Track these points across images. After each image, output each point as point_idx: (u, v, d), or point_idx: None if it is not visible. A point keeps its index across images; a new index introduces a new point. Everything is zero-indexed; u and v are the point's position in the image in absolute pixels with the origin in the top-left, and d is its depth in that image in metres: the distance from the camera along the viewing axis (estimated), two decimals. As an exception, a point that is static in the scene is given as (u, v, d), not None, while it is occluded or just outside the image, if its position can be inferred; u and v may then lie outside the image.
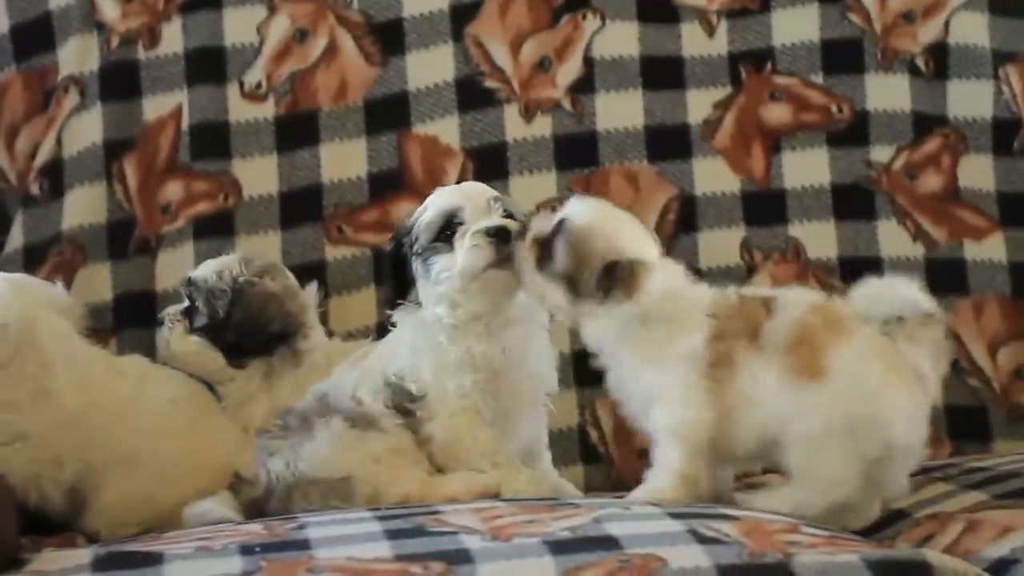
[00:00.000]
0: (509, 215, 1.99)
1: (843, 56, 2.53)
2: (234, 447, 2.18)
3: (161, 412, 2.18)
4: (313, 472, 1.95)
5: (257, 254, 2.34)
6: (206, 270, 2.26)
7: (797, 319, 1.85)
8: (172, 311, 2.28)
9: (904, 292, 1.88)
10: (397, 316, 2.05)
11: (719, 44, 2.53)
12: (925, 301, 1.88)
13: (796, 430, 1.83)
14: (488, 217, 1.97)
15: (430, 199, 2.03)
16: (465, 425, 1.97)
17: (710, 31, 2.53)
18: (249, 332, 2.23)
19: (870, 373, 1.83)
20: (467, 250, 1.94)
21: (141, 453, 2.13)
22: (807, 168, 2.50)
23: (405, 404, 1.98)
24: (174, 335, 2.26)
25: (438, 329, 1.98)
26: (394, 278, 2.03)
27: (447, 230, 1.97)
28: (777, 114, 2.52)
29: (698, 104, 2.52)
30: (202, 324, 2.24)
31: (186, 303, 2.27)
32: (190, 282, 2.25)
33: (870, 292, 1.90)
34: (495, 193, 2.03)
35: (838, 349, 1.83)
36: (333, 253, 2.46)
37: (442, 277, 1.96)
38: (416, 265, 1.99)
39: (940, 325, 1.89)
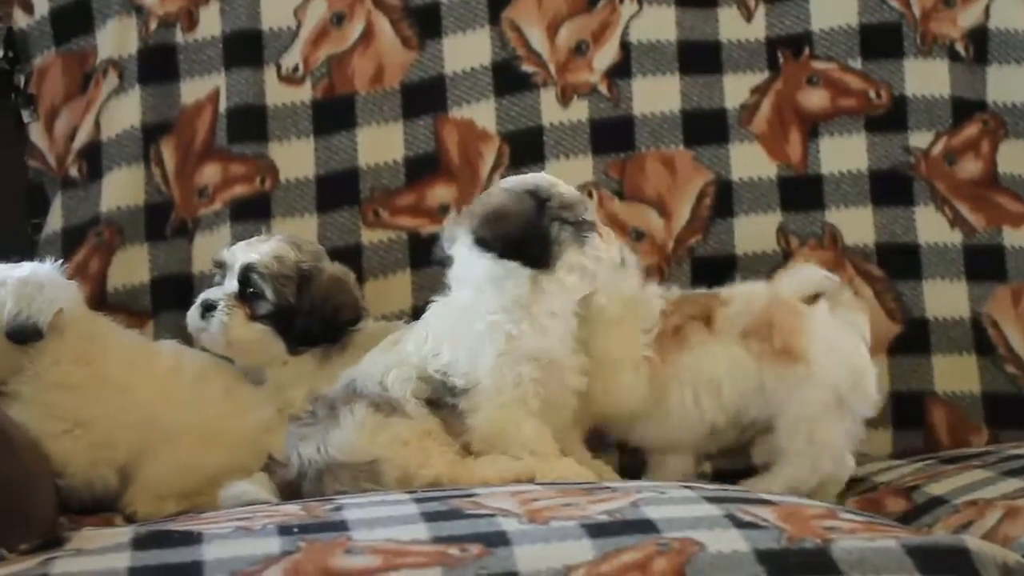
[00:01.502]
0: None
1: (882, 41, 2.51)
2: (266, 417, 2.20)
3: (196, 384, 2.21)
4: (342, 457, 1.96)
5: (297, 235, 2.32)
6: (259, 254, 2.20)
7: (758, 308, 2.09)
8: (222, 296, 2.20)
9: (816, 273, 2.18)
10: (437, 308, 2.06)
11: (757, 29, 2.52)
12: (832, 277, 2.17)
13: (788, 411, 2.06)
14: None
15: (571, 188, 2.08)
16: (511, 417, 1.98)
17: (748, 15, 2.52)
18: (321, 319, 2.19)
19: (843, 343, 2.09)
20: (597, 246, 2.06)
21: (181, 425, 2.17)
22: (845, 153, 2.48)
23: (446, 399, 1.99)
24: (234, 321, 2.19)
25: (513, 319, 2.00)
26: (519, 239, 2.01)
27: None
28: (815, 99, 2.51)
29: (735, 89, 2.51)
30: (267, 311, 2.19)
31: (235, 287, 2.20)
32: (249, 268, 2.19)
33: (793, 278, 2.17)
34: None
35: (808, 330, 2.07)
36: (369, 237, 2.46)
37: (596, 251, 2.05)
38: (572, 244, 2.03)
39: (848, 291, 2.20)
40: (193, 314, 2.23)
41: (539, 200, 2.02)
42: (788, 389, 2.07)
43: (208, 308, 2.21)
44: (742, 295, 2.13)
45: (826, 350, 2.07)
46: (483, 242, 2.02)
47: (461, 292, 2.05)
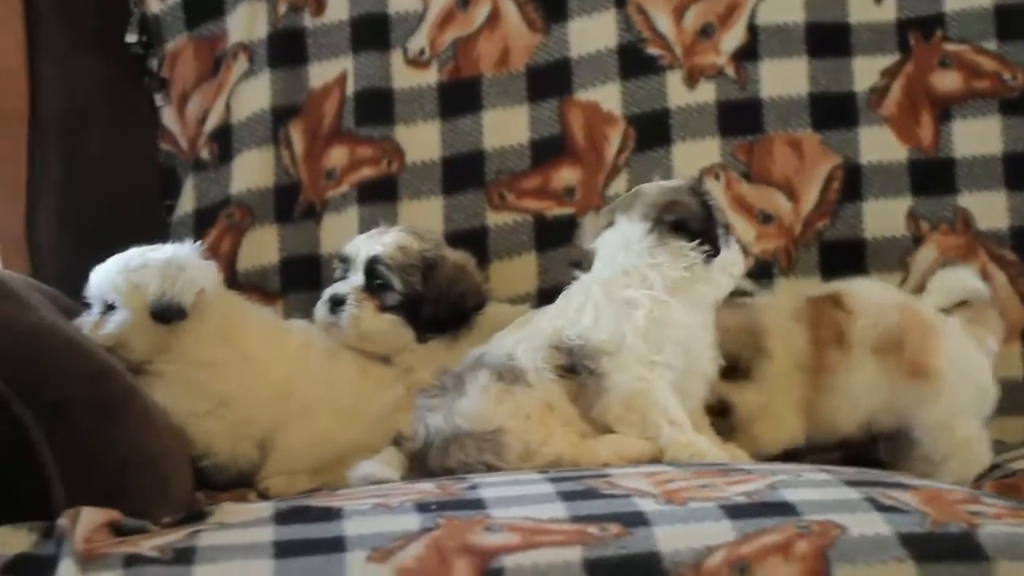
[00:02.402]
0: None
1: (1017, 22, 2.45)
2: (397, 396, 2.20)
3: (328, 360, 2.23)
4: (468, 425, 1.96)
5: (414, 224, 2.35)
6: (382, 245, 2.22)
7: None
8: (350, 289, 2.22)
9: (971, 281, 2.20)
10: (580, 284, 2.06)
11: (887, 10, 2.48)
12: (985, 288, 2.21)
13: (921, 424, 2.11)
14: None
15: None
16: (656, 378, 1.97)
17: (878, -3, 2.49)
18: (448, 305, 2.21)
19: (971, 362, 2.13)
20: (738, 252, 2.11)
21: (315, 400, 2.19)
22: (978, 137, 2.44)
23: (583, 363, 1.98)
24: (365, 313, 2.21)
25: (672, 289, 2.00)
26: (704, 223, 2.04)
27: None
28: (947, 82, 2.46)
29: (864, 71, 2.47)
30: (395, 302, 2.21)
31: (362, 280, 2.22)
32: (375, 260, 2.21)
33: (943, 284, 2.19)
34: None
35: (938, 347, 2.10)
36: (495, 219, 2.47)
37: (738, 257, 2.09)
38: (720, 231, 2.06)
39: (995, 306, 2.22)
40: (321, 309, 2.25)
41: (700, 197, 2.07)
42: (917, 403, 2.10)
43: (337, 303, 2.23)
44: (872, 308, 2.13)
45: (956, 367, 2.11)
46: (668, 223, 2.03)
47: (607, 272, 2.05)
